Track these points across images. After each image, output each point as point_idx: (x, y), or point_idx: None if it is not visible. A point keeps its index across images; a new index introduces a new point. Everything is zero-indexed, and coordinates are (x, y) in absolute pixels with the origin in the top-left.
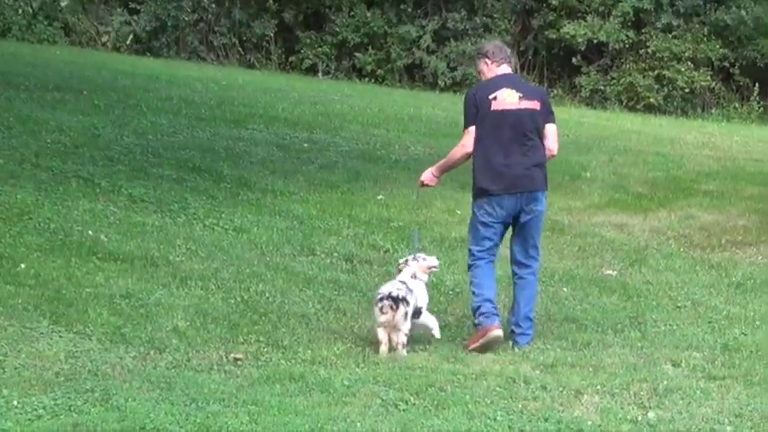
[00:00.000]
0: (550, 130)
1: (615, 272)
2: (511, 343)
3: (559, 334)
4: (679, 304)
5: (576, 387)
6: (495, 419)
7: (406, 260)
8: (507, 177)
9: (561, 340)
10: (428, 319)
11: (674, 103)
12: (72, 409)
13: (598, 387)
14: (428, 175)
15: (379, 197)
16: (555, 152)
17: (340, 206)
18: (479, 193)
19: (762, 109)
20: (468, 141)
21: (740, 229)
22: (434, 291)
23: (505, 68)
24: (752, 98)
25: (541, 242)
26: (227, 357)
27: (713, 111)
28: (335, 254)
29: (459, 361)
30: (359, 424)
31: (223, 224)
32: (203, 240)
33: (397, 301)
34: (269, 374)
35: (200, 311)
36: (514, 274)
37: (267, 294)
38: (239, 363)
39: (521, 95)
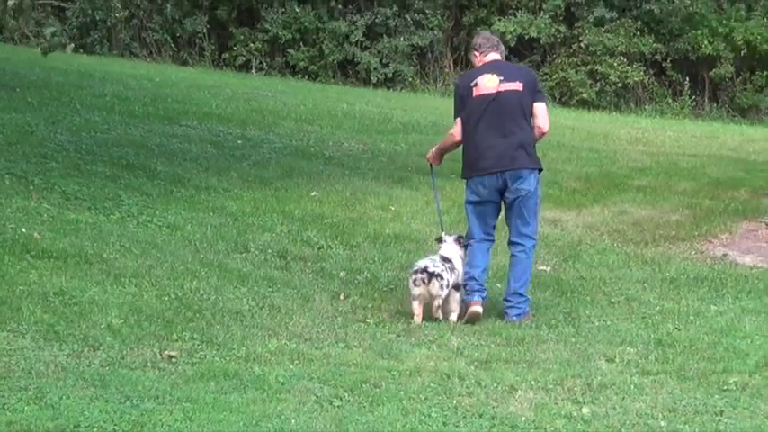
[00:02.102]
0: (538, 108)
1: (549, 267)
2: (445, 338)
3: (494, 330)
4: (613, 300)
5: (510, 383)
6: (429, 416)
7: (440, 237)
8: (489, 158)
9: (495, 336)
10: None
11: (608, 99)
12: (5, 407)
13: (532, 383)
14: (430, 153)
15: (313, 194)
16: (545, 130)
17: (274, 203)
18: (465, 174)
19: (694, 104)
20: (456, 131)
21: (673, 225)
22: (369, 287)
23: (493, 56)
24: (684, 93)
25: (536, 218)
26: (161, 355)
27: (646, 106)
28: (269, 250)
29: (394, 357)
30: (293, 421)
31: (157, 221)
32: (137, 237)
33: (431, 275)
34: (203, 372)
35: (134, 309)
36: (509, 251)
37: (201, 291)
38: (173, 360)
39: (501, 79)
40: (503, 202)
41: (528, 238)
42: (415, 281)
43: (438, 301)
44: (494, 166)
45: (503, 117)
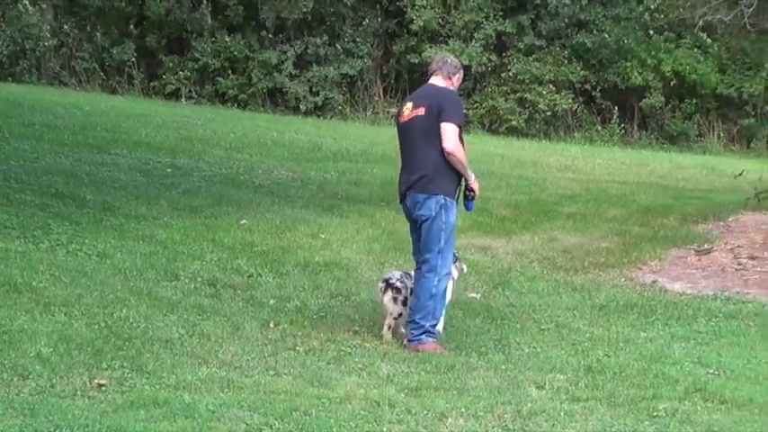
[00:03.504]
0: (442, 128)
1: (479, 295)
2: (375, 366)
3: (423, 357)
4: (543, 327)
5: (440, 410)
6: None
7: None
8: (399, 184)
9: (426, 363)
10: None
11: (537, 126)
12: None
13: (462, 410)
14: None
15: (243, 222)
16: (448, 149)
17: (203, 231)
18: None
19: (623, 131)
20: None
21: (603, 252)
22: (299, 315)
23: (432, 79)
24: (613, 121)
25: (440, 249)
26: (90, 383)
27: (576, 134)
28: (199, 278)
29: (324, 385)
30: None
31: (86, 250)
32: (67, 266)
33: (388, 285)
34: (133, 400)
35: (63, 337)
36: None
37: (131, 319)
38: (103, 388)
39: (412, 105)
40: None
41: (425, 263)
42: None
43: (389, 316)
44: (401, 192)
45: (409, 144)
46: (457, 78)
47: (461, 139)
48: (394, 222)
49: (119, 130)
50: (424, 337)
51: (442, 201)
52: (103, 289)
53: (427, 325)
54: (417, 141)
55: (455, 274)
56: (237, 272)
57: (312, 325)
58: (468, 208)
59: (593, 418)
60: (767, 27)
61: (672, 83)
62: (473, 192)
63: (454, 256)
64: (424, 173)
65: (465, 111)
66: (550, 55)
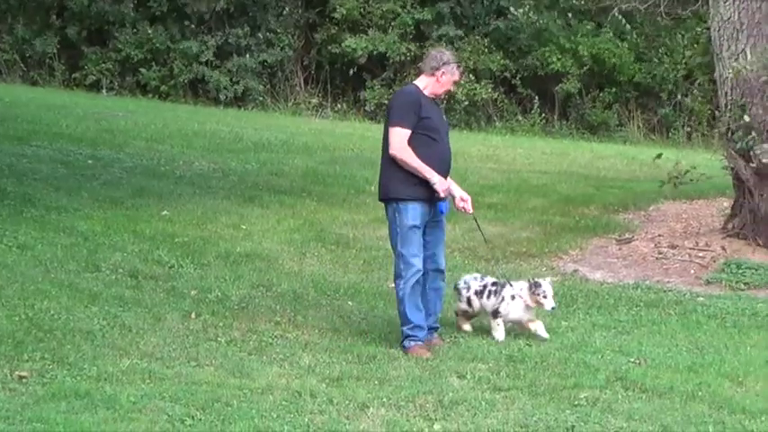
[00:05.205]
0: (389, 132)
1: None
2: (297, 356)
3: (345, 347)
4: None
5: (362, 400)
6: None
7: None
8: None
9: (347, 354)
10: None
11: (457, 117)
12: None
13: (384, 400)
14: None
15: (164, 213)
16: (390, 153)
17: (125, 222)
18: None
19: (544, 121)
20: None
21: (524, 241)
22: (220, 306)
23: (417, 79)
24: (533, 110)
25: (399, 254)
26: (11, 375)
27: (497, 124)
28: (120, 270)
29: (246, 375)
30: None
31: (7, 241)
32: None
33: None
34: (54, 392)
35: None
36: None
37: (52, 311)
38: (24, 380)
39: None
40: None
41: (395, 265)
42: None
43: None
44: None
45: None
46: (441, 73)
47: (429, 140)
48: (315, 213)
49: (39, 121)
50: (406, 342)
51: (395, 205)
52: (24, 281)
53: (404, 329)
54: (382, 147)
55: (527, 299)
56: (158, 263)
57: (233, 316)
58: (439, 210)
59: (515, 407)
60: (683, 15)
61: (590, 69)
62: (444, 193)
63: (531, 281)
64: (381, 179)
65: (417, 111)
66: (470, 44)
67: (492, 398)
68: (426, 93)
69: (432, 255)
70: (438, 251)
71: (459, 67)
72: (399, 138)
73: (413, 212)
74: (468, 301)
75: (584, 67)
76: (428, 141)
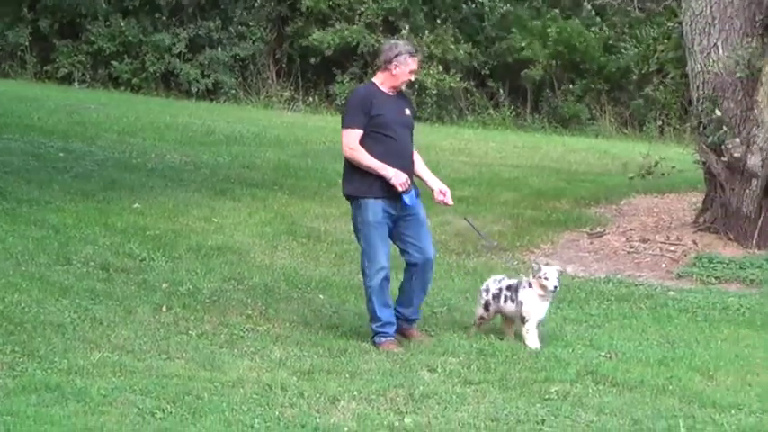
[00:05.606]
0: (341, 134)
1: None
2: (268, 349)
3: (316, 341)
4: (435, 309)
5: (332, 393)
6: (252, 427)
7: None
8: None
9: (318, 347)
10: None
11: (429, 110)
12: None
13: (355, 393)
14: None
15: (136, 206)
16: (343, 154)
17: (96, 215)
18: None
19: (516, 115)
20: None
21: (495, 235)
22: (191, 299)
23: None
24: (502, 100)
25: (363, 250)
26: None
27: (469, 117)
28: (92, 263)
29: (217, 368)
30: None
31: None
32: None
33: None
34: (24, 384)
35: None
36: None
37: (23, 304)
38: None
39: None
40: None
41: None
42: None
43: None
44: None
45: None
46: (394, 65)
47: (382, 137)
48: (286, 206)
49: (11, 114)
50: (376, 338)
51: (356, 202)
52: None
53: (374, 326)
54: None
55: (536, 287)
56: (130, 256)
57: (204, 309)
58: (403, 203)
59: (486, 400)
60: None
61: (560, 54)
62: (401, 186)
63: (533, 267)
64: (342, 177)
65: (367, 110)
66: (439, 34)
67: (463, 391)
68: (385, 88)
69: (418, 247)
70: (422, 243)
71: (414, 55)
72: (349, 139)
73: (373, 209)
74: None
75: (553, 50)
76: (382, 138)
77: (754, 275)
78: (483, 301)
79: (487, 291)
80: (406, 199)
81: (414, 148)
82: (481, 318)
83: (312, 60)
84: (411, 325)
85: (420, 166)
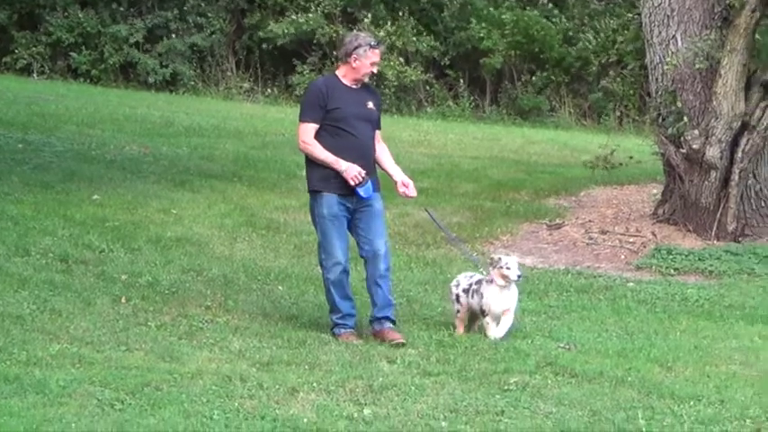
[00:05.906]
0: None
1: None
2: (227, 341)
3: (275, 332)
4: (394, 301)
5: (292, 385)
6: (211, 418)
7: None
8: None
9: (277, 338)
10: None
11: (388, 101)
12: None
13: (314, 384)
14: None
15: (95, 197)
16: (299, 148)
17: (55, 206)
18: None
19: (475, 106)
20: None
21: (455, 226)
22: (150, 290)
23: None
24: (461, 90)
25: (320, 243)
26: None
27: (428, 109)
28: (50, 254)
29: (176, 360)
30: (74, 425)
31: None
32: None
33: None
34: None
35: None
36: None
37: None
38: None
39: None
40: None
41: None
42: None
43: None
44: None
45: None
46: (354, 58)
47: (338, 130)
48: (246, 197)
49: None
50: (336, 329)
51: (313, 195)
52: None
53: (334, 318)
54: None
55: (497, 279)
56: (89, 247)
57: (164, 300)
58: (359, 196)
59: (445, 392)
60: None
61: (518, 43)
62: (353, 180)
63: (492, 259)
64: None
65: (322, 104)
66: (399, 26)
67: (422, 383)
68: (347, 81)
69: (368, 240)
70: (372, 236)
71: (375, 47)
72: (304, 133)
73: (327, 203)
74: None
75: (511, 40)
76: (338, 132)
77: (712, 267)
78: (453, 296)
79: (458, 286)
80: (361, 192)
81: (380, 141)
82: (458, 312)
83: (271, 51)
84: (382, 325)
85: (385, 157)
